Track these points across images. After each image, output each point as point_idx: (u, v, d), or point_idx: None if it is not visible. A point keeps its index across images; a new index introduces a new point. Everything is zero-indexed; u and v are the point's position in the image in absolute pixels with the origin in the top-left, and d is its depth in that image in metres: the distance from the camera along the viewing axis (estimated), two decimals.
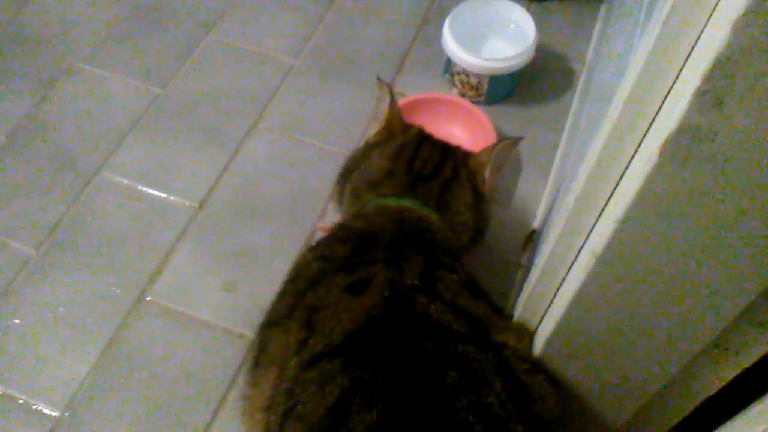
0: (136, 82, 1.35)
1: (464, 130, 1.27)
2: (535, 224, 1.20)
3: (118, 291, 1.09)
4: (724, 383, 0.71)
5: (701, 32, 0.46)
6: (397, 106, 0.96)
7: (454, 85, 1.34)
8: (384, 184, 0.90)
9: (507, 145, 0.93)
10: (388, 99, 0.94)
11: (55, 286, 1.09)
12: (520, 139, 0.96)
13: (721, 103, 0.44)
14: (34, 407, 0.98)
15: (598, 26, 1.47)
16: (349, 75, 1.38)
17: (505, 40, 1.37)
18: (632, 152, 0.56)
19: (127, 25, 1.44)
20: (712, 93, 0.44)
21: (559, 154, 1.28)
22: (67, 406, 0.98)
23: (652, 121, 0.53)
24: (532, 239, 1.17)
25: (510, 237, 1.19)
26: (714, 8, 0.45)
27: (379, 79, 0.97)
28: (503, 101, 1.35)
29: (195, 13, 1.47)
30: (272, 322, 0.80)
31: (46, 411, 0.98)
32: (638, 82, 0.53)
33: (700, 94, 0.44)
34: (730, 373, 0.69)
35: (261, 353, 0.78)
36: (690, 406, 0.75)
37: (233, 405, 0.99)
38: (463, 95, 1.34)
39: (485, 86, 1.30)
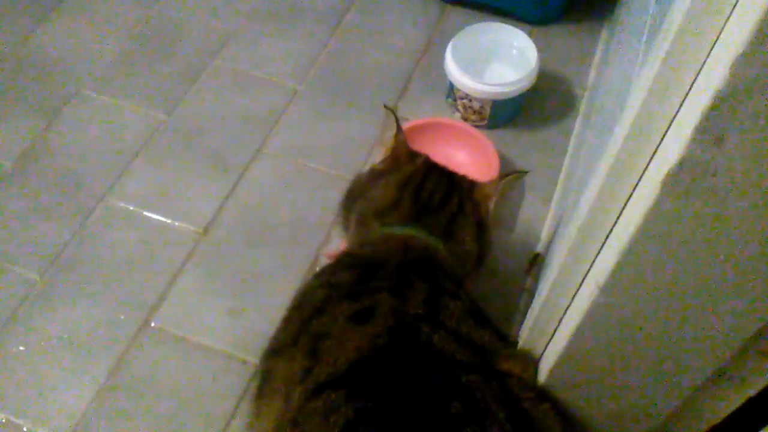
0: (141, 109, 1.36)
1: (467, 154, 1.28)
2: (539, 248, 1.20)
3: (122, 317, 1.09)
4: (729, 412, 0.71)
5: (700, 69, 0.47)
6: (404, 135, 0.97)
7: (456, 109, 1.35)
8: (390, 214, 0.91)
9: (512, 178, 0.95)
10: (394, 126, 0.95)
11: (60, 313, 1.09)
12: (525, 172, 0.98)
13: (722, 139, 0.45)
14: None
15: (599, 51, 1.48)
16: (353, 100, 1.39)
17: (507, 64, 1.39)
18: (634, 185, 0.56)
19: (133, 52, 1.46)
20: (712, 130, 0.44)
21: (562, 178, 1.28)
22: None
23: (653, 155, 0.53)
24: (536, 263, 1.18)
25: (514, 261, 1.19)
26: (713, 46, 0.45)
27: (385, 106, 0.98)
28: (506, 125, 1.36)
29: (200, 40, 1.48)
30: (276, 351, 0.80)
31: None
32: (639, 115, 0.54)
33: (701, 130, 0.45)
34: (735, 401, 0.69)
35: (265, 382, 0.78)
36: None
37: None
38: (465, 120, 1.35)
39: (488, 111, 1.31)
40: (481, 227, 0.94)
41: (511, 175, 0.95)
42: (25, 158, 1.28)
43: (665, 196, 0.49)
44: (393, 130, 0.96)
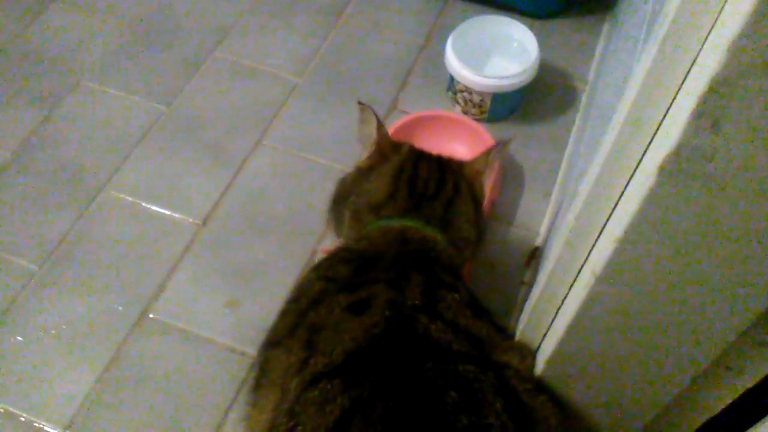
0: (141, 100, 1.36)
1: (467, 147, 1.27)
2: (538, 242, 1.20)
3: (120, 308, 1.09)
4: (726, 403, 0.70)
5: (698, 54, 0.46)
6: (385, 128, 0.96)
7: (457, 102, 1.35)
8: (386, 206, 0.90)
9: (499, 149, 0.95)
10: (373, 121, 0.94)
11: (58, 303, 1.09)
12: (510, 140, 0.98)
13: (718, 124, 0.44)
14: (36, 425, 0.98)
15: (600, 45, 1.47)
16: (352, 93, 1.39)
17: (507, 58, 1.38)
18: (631, 172, 0.56)
19: (133, 43, 1.45)
20: (709, 114, 0.44)
21: (561, 172, 1.28)
22: (68, 423, 0.98)
23: (651, 141, 0.53)
24: (535, 257, 1.17)
25: (513, 255, 1.18)
26: (710, 30, 0.45)
27: (360, 103, 0.96)
28: (506, 119, 1.35)
29: (200, 31, 1.48)
30: (274, 342, 0.80)
31: (48, 429, 0.98)
32: (636, 101, 0.53)
33: (697, 115, 0.44)
34: (733, 393, 0.69)
35: (262, 374, 0.78)
36: (693, 427, 0.75)
37: (235, 424, 0.98)
38: (465, 113, 1.34)
39: (488, 104, 1.31)
40: (478, 206, 0.93)
41: (496, 146, 0.95)
42: (24, 149, 1.28)
43: (662, 182, 0.49)
44: (372, 126, 0.94)
